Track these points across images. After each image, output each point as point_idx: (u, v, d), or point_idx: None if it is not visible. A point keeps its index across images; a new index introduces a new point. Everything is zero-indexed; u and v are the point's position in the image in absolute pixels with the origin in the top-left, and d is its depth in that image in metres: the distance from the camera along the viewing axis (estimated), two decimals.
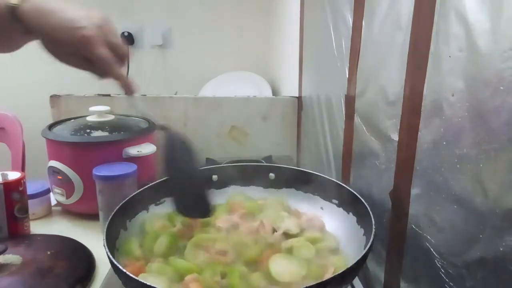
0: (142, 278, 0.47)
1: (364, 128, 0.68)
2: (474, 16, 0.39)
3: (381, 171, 0.61)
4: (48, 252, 0.67)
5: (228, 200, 0.72)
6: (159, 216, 0.67)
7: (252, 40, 1.97)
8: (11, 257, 0.65)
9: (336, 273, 0.45)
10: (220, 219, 0.64)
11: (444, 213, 0.45)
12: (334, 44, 0.84)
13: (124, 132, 0.94)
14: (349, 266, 0.46)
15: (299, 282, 0.51)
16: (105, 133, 0.92)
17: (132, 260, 0.56)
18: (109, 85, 1.19)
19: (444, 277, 0.45)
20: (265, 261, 0.55)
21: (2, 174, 0.81)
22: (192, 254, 0.56)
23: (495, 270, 0.37)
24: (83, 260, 0.68)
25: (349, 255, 0.58)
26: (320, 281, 0.44)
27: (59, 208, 0.97)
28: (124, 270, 0.46)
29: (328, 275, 0.51)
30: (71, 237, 0.83)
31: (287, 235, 0.62)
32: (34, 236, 0.76)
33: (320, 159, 0.98)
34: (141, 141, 0.94)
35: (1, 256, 0.64)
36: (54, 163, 0.89)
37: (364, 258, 0.48)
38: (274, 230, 0.63)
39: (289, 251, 0.58)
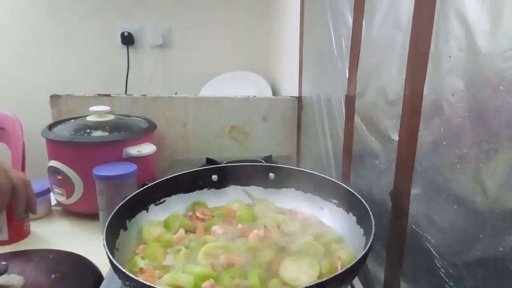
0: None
1: (364, 128, 0.68)
2: (474, 16, 0.39)
3: (381, 171, 0.61)
4: (53, 276, 0.64)
5: (226, 205, 0.72)
6: (156, 222, 0.66)
7: (252, 40, 1.98)
8: (13, 278, 0.62)
9: (336, 273, 0.45)
10: (220, 227, 0.64)
11: (444, 213, 0.45)
12: (334, 44, 0.84)
13: (124, 132, 0.94)
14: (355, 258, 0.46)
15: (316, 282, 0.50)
16: (105, 133, 0.92)
17: (141, 271, 0.55)
18: (109, 85, 1.19)
19: (444, 277, 0.45)
20: (277, 265, 0.55)
21: None
22: (205, 261, 0.55)
23: (495, 270, 0.37)
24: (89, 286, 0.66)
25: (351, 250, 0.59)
26: (320, 281, 0.44)
27: (59, 208, 0.97)
28: (124, 270, 0.46)
29: (338, 269, 0.52)
30: (71, 237, 0.84)
31: (292, 236, 0.63)
32: (46, 252, 0.72)
33: (320, 159, 0.98)
34: (141, 141, 0.94)
35: (4, 276, 0.61)
36: (54, 163, 0.90)
37: (364, 258, 0.48)
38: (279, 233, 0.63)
39: (299, 252, 0.58)
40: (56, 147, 0.91)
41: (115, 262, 0.47)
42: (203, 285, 0.50)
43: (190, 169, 0.73)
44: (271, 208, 0.71)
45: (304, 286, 0.42)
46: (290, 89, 1.37)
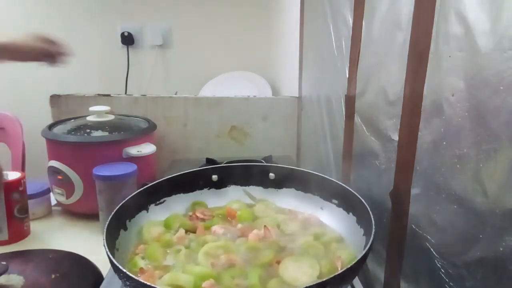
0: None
1: (364, 128, 0.68)
2: (474, 16, 0.39)
3: (381, 171, 0.61)
4: (53, 276, 0.64)
5: (226, 205, 0.72)
6: (156, 222, 0.66)
7: (252, 40, 1.97)
8: (13, 278, 0.62)
9: (337, 273, 0.45)
10: (220, 227, 0.64)
11: (444, 213, 0.45)
12: (334, 44, 0.84)
13: (124, 132, 0.94)
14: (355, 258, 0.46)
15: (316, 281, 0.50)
16: (105, 133, 0.92)
17: (141, 271, 0.55)
18: (109, 85, 1.18)
19: (444, 277, 0.45)
20: (277, 265, 0.55)
21: None
22: (205, 261, 0.55)
23: (495, 270, 0.37)
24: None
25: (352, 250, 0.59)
26: (320, 281, 0.44)
27: (59, 208, 0.97)
28: (125, 270, 0.46)
29: (339, 268, 0.52)
30: (71, 237, 0.84)
31: (292, 235, 0.63)
32: (46, 252, 0.72)
33: (320, 159, 0.98)
34: (141, 141, 0.94)
35: (4, 275, 0.61)
36: (54, 163, 0.90)
37: (364, 258, 0.48)
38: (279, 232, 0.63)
39: (299, 252, 0.58)
40: (56, 147, 0.91)
41: (115, 262, 0.47)
42: (203, 285, 0.50)
43: (190, 169, 0.73)
44: (271, 208, 0.71)
45: (304, 286, 0.42)
46: (290, 89, 1.37)
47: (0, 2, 1.89)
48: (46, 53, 0.92)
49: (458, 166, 0.42)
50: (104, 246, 0.51)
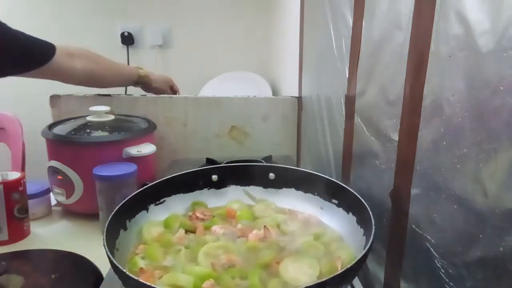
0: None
1: (364, 128, 0.68)
2: (474, 16, 0.39)
3: (381, 171, 0.61)
4: (53, 276, 0.64)
5: (226, 205, 0.72)
6: (156, 222, 0.66)
7: (252, 40, 1.97)
8: (13, 278, 0.62)
9: (336, 273, 0.45)
10: (220, 227, 0.64)
11: (444, 213, 0.45)
12: (334, 44, 0.84)
13: (124, 132, 0.94)
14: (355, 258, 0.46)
15: (316, 282, 0.50)
16: (105, 133, 0.92)
17: (141, 271, 0.55)
18: None
19: (444, 277, 0.45)
20: (277, 265, 0.54)
21: (2, 174, 0.81)
22: (205, 261, 0.55)
23: (495, 270, 0.37)
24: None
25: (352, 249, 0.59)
26: (320, 281, 0.44)
27: (59, 208, 0.97)
28: (124, 270, 0.45)
29: (339, 269, 0.52)
30: (71, 237, 0.84)
31: (291, 235, 0.63)
32: (46, 252, 0.72)
33: (320, 159, 0.98)
34: (141, 141, 0.94)
35: (4, 275, 0.61)
36: (54, 163, 0.90)
37: (364, 258, 0.48)
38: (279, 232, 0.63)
39: (299, 252, 0.58)
40: (56, 147, 0.91)
41: (115, 262, 0.47)
42: (203, 285, 0.50)
43: (190, 169, 0.73)
44: (271, 208, 0.71)
45: (304, 286, 0.42)
46: (290, 89, 1.37)
47: (1, 2, 1.89)
48: (165, 93, 1.22)
49: (458, 166, 0.42)
50: (104, 246, 0.51)
